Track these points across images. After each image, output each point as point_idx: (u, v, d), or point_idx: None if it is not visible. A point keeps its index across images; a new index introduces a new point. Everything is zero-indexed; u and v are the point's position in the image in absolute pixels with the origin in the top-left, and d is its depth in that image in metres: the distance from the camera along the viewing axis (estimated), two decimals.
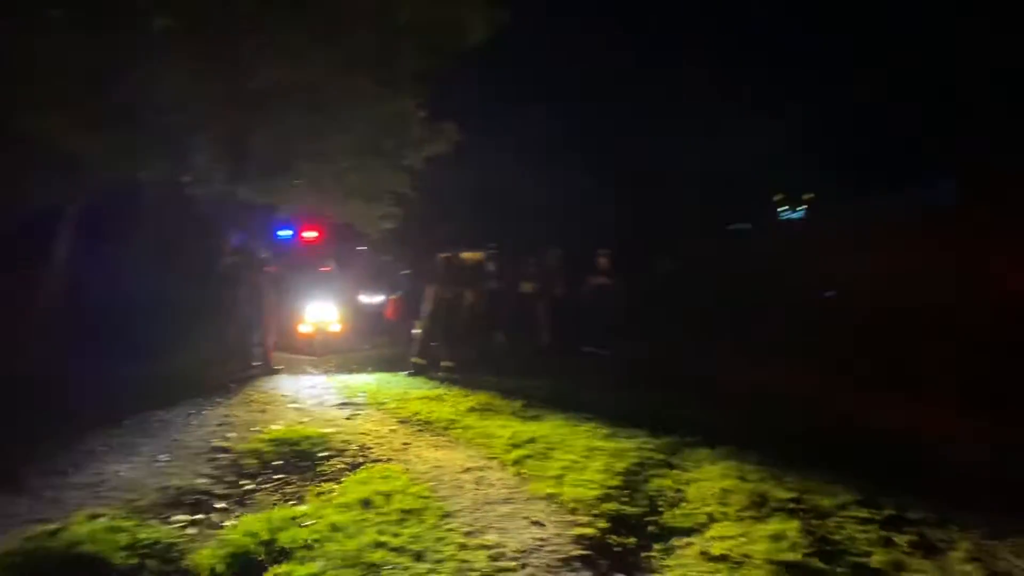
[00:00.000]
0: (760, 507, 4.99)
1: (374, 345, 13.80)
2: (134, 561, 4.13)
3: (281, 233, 14.72)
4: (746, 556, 4.21)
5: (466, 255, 10.99)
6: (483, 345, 11.52)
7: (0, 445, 5.85)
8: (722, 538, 4.51)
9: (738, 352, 11.20)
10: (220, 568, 4.08)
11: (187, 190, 9.01)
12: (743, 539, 4.46)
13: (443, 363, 10.60)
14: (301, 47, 7.90)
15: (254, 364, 10.34)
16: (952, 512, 4.83)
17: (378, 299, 14.71)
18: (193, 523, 4.87)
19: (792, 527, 4.56)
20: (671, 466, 6.05)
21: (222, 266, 10.28)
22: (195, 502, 5.22)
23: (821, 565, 4.07)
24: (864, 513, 4.87)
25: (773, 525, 4.63)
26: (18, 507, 4.81)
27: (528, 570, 4.00)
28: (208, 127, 8.30)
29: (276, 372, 10.33)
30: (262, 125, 8.43)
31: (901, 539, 4.45)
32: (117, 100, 7.71)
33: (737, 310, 12.62)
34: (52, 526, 4.36)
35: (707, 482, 5.55)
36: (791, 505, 5.02)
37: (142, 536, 4.37)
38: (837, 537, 4.51)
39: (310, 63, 8.05)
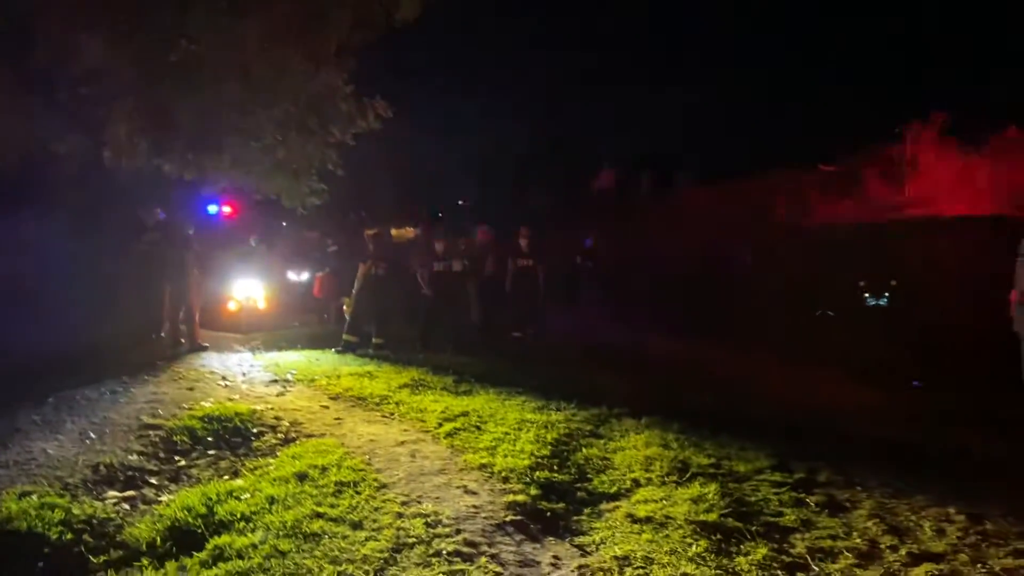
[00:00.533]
0: (682, 472, 5.27)
1: (302, 323, 13.71)
2: (69, 536, 4.15)
3: (210, 209, 14.44)
4: (669, 517, 4.47)
5: (395, 231, 11.07)
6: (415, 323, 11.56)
7: None
8: (646, 501, 4.77)
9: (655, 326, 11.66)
10: (159, 541, 4.12)
11: (107, 163, 8.76)
12: (666, 502, 4.73)
13: (374, 340, 10.68)
14: (225, 18, 7.77)
15: (180, 341, 10.19)
16: (857, 475, 5.21)
17: (305, 276, 14.57)
18: (127, 499, 4.89)
19: (711, 490, 4.85)
20: (598, 436, 6.31)
21: (144, 241, 10.08)
22: (128, 478, 5.22)
23: (737, 524, 4.34)
24: (777, 477, 5.22)
25: (694, 489, 4.91)
26: None
27: (463, 535, 4.16)
28: (127, 99, 8.10)
29: (203, 349, 10.19)
30: (185, 98, 8.25)
31: (811, 499, 4.79)
32: (31, 67, 7.47)
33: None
34: None
35: (632, 450, 5.82)
36: (711, 470, 5.33)
37: (76, 512, 4.38)
38: (752, 499, 4.82)
39: (235, 35, 7.93)
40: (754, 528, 4.31)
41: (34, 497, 4.47)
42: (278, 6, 8.14)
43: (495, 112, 19.13)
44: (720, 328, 11.01)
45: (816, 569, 3.83)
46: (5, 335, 8.56)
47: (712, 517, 4.43)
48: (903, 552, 3.98)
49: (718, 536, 4.20)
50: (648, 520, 4.47)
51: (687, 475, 5.22)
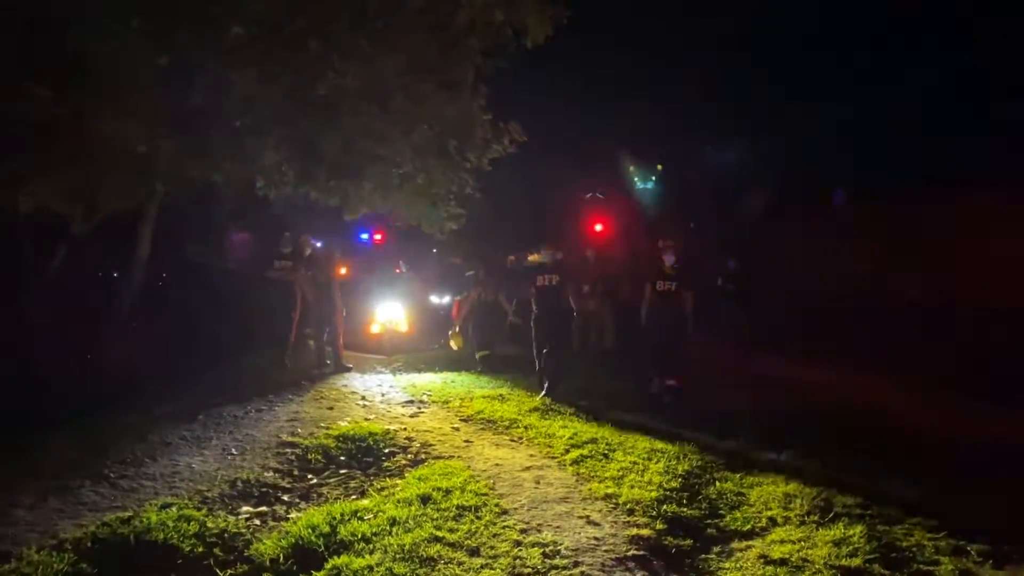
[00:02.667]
0: (824, 512, 4.87)
1: (441, 345, 13.96)
2: (201, 549, 4.31)
3: (362, 236, 15.10)
4: (806, 560, 4.13)
5: (532, 256, 11.09)
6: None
7: (81, 437, 6.14)
8: (782, 542, 4.44)
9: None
10: (281, 558, 4.21)
11: (259, 191, 9.29)
12: (804, 543, 4.38)
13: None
14: (364, 53, 8.06)
15: (326, 362, 10.60)
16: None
17: (447, 300, 14.86)
18: (259, 515, 5.05)
19: (856, 532, 4.45)
20: (734, 469, 5.97)
21: (275, 268, 10.57)
22: (262, 495, 5.39)
23: (884, 572, 3.95)
24: (933, 521, 4.69)
25: (836, 530, 4.53)
26: (96, 495, 5.05)
27: (581, 568, 4.00)
28: (277, 130, 8.54)
29: (347, 370, 10.55)
30: (329, 129, 8.62)
31: (972, 548, 4.28)
32: (190, 104, 8.00)
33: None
34: (126, 514, 4.56)
35: (770, 486, 5.46)
36: (857, 511, 4.89)
37: (210, 525, 4.56)
38: (904, 544, 4.37)
39: (374, 68, 8.21)
40: None
41: (173, 509, 4.69)
42: (414, 37, 8.36)
43: (633, 131, 18.83)
44: (882, 360, 10.13)
45: None
46: (168, 358, 9.21)
47: (856, 562, 4.07)
48: None
49: None
50: (783, 563, 4.15)
51: (830, 515, 4.82)
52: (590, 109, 18.83)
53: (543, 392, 8.97)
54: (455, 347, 12.13)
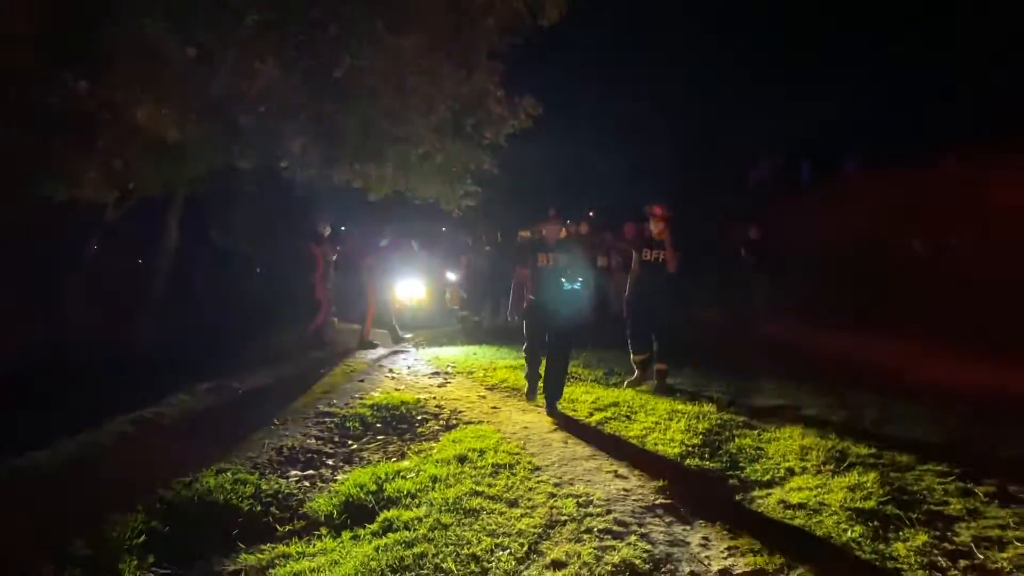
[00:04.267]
0: (839, 462, 5.15)
1: (460, 320, 14.28)
2: (259, 508, 4.65)
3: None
4: (823, 504, 4.42)
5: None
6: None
7: (131, 411, 6.47)
8: (800, 489, 4.72)
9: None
10: (335, 513, 4.55)
11: (284, 174, 9.57)
12: (821, 490, 4.66)
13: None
14: (381, 35, 8.28)
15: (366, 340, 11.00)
16: None
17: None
18: (307, 477, 5.38)
19: (870, 479, 4.73)
20: (752, 427, 6.25)
21: (323, 252, 10.88)
22: (307, 459, 5.73)
23: (897, 511, 4.23)
24: (943, 467, 4.97)
25: (851, 477, 4.81)
26: (155, 462, 5.38)
27: (613, 515, 4.30)
28: (299, 115, 8.79)
29: (373, 346, 10.88)
30: (349, 111, 8.86)
31: (979, 489, 4.55)
32: (214, 91, 8.27)
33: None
34: (186, 479, 4.88)
35: (787, 440, 5.73)
36: (871, 460, 5.17)
37: (264, 487, 4.90)
38: (915, 488, 4.64)
39: (391, 50, 8.44)
40: (915, 516, 4.19)
41: (228, 474, 5.02)
42: (430, 18, 8.57)
43: (647, 107, 19.01)
44: (892, 321, 10.38)
45: (981, 557, 3.68)
46: (201, 338, 9.54)
47: (870, 504, 4.35)
48: None
49: (875, 523, 4.12)
50: (801, 507, 4.44)
51: (844, 464, 5.11)
52: (606, 81, 19.02)
53: (543, 404, 7.08)
54: (451, 304, 12.53)
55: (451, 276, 15.16)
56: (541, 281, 7.00)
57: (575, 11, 8.86)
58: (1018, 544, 3.77)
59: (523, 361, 7.43)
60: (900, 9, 16.47)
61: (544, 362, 7.15)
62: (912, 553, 3.72)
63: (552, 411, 6.86)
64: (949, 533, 3.98)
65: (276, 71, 8.26)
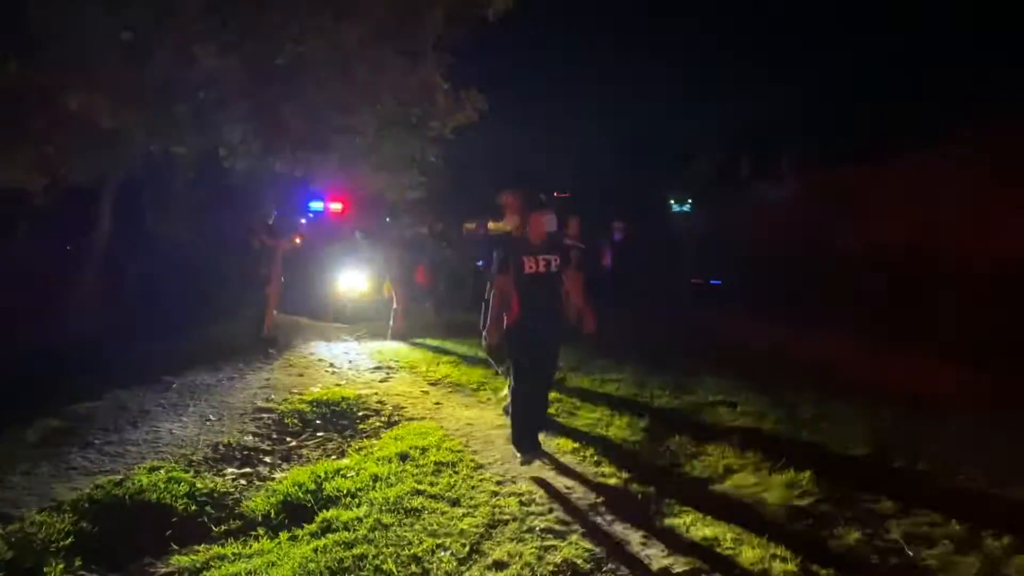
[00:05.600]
0: (776, 459, 5.21)
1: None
2: (193, 508, 4.53)
3: (313, 205, 15.10)
4: (760, 501, 4.49)
5: (492, 224, 11.26)
6: None
7: (61, 406, 6.25)
8: (739, 487, 4.79)
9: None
10: (273, 513, 4.45)
11: (223, 163, 9.34)
12: (759, 487, 4.74)
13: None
14: (324, 22, 8.13)
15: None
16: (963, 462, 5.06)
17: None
18: (244, 475, 5.27)
19: (806, 477, 4.79)
20: (692, 423, 6.31)
21: (257, 242, 10.59)
22: (244, 457, 5.61)
23: (832, 509, 4.32)
24: (876, 464, 5.11)
25: (788, 475, 4.85)
26: (85, 460, 5.20)
27: (556, 514, 4.30)
28: (239, 102, 8.59)
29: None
30: (292, 100, 8.69)
31: (911, 487, 4.68)
32: (150, 77, 8.02)
33: None
34: (117, 477, 4.74)
35: (725, 438, 5.79)
36: (807, 458, 5.25)
37: (199, 486, 4.77)
38: (848, 485, 4.74)
39: (335, 37, 8.29)
40: (849, 514, 4.28)
41: (162, 472, 4.88)
42: (376, 7, 8.45)
43: (592, 103, 19.16)
44: (822, 318, 10.66)
45: (911, 554, 3.78)
46: (135, 328, 9.24)
47: (806, 502, 4.42)
48: (1005, 541, 3.88)
49: (811, 521, 4.19)
50: (741, 504, 4.50)
51: (781, 462, 5.19)
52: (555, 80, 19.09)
53: (512, 437, 5.33)
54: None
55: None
56: (530, 295, 5.20)
57: (523, 6, 8.82)
58: (946, 542, 3.88)
59: (467, 356, 7.35)
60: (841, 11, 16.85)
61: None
62: (845, 551, 3.80)
63: (537, 450, 5.19)
64: (881, 531, 4.07)
65: (215, 57, 8.05)
